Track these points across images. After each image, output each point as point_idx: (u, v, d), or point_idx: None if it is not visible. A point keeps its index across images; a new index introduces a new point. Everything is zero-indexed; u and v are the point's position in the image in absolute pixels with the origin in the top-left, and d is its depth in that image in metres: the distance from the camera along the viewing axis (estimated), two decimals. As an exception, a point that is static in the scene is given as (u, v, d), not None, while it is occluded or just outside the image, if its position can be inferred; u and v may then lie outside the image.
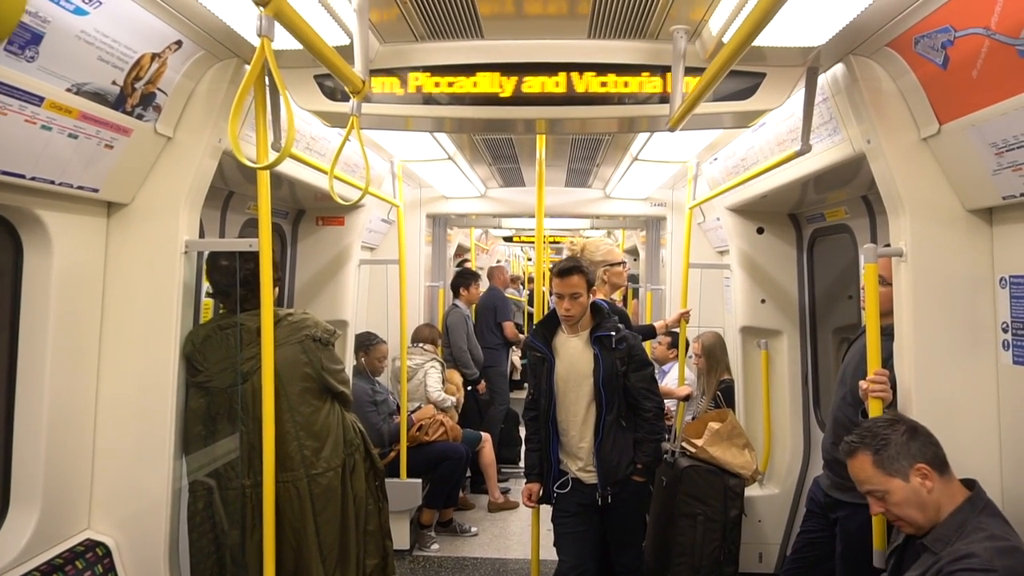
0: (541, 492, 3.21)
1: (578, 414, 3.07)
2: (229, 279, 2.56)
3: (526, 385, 3.80)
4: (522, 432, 6.34)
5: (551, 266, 3.24)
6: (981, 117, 1.94)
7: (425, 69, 2.42)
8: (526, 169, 4.96)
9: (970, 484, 1.91)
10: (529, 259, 14.84)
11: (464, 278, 6.31)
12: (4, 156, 1.80)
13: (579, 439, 3.08)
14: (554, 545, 3.21)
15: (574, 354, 3.09)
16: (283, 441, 2.58)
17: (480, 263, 9.34)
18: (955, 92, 2.03)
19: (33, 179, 1.93)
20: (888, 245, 2.38)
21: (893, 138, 2.28)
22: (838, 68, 2.41)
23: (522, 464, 6.30)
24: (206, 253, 2.67)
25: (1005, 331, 2.21)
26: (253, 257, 2.43)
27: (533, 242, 11.16)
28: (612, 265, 3.76)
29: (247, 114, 2.47)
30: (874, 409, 2.26)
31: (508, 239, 11.17)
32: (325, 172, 2.41)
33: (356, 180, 3.46)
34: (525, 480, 3.26)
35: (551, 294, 3.22)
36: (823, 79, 2.50)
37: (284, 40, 1.73)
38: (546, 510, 4.07)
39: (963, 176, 2.19)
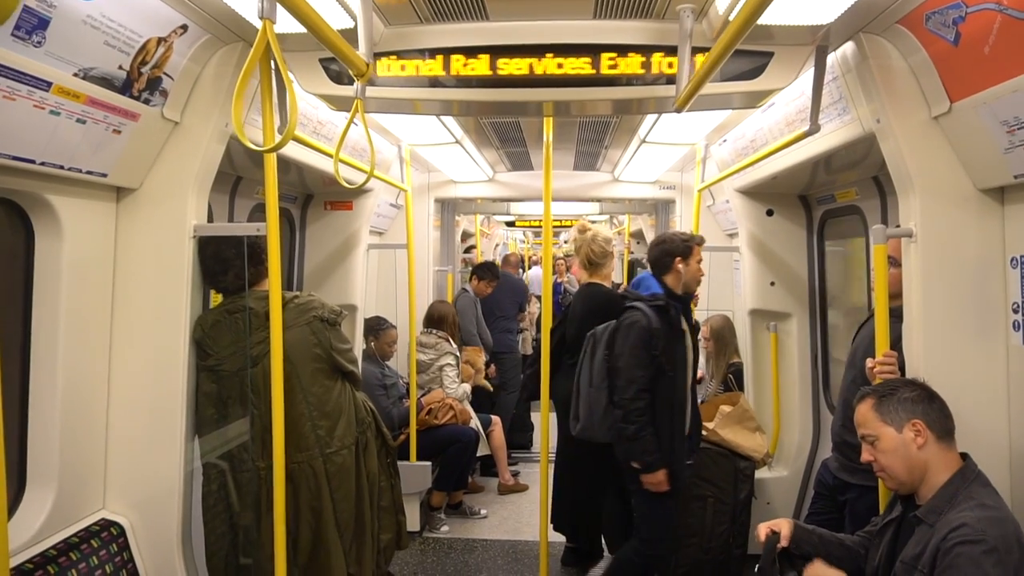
0: None
1: (688, 393, 3.20)
2: (219, 265, 2.59)
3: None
4: (535, 418, 6.39)
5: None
6: (993, 94, 1.91)
7: (430, 51, 2.41)
8: (534, 153, 4.94)
9: (962, 456, 1.93)
10: (529, 243, 14.87)
11: (490, 271, 6.21)
12: (14, 141, 1.82)
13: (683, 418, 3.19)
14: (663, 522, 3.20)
15: (688, 334, 3.23)
16: (297, 422, 2.62)
17: (482, 247, 9.36)
18: (967, 69, 2.00)
19: (43, 164, 1.95)
20: (899, 226, 2.36)
21: (903, 117, 2.25)
22: (848, 46, 2.38)
23: (536, 449, 6.35)
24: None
25: (1016, 312, 2.19)
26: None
27: (535, 226, 11.20)
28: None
29: (253, 98, 2.48)
30: (882, 390, 2.26)
31: (510, 224, 11.15)
32: (331, 156, 2.41)
33: (363, 164, 3.46)
34: (651, 469, 3.02)
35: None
36: (833, 58, 2.47)
37: (289, 23, 1.73)
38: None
39: (974, 155, 2.16)
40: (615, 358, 3.11)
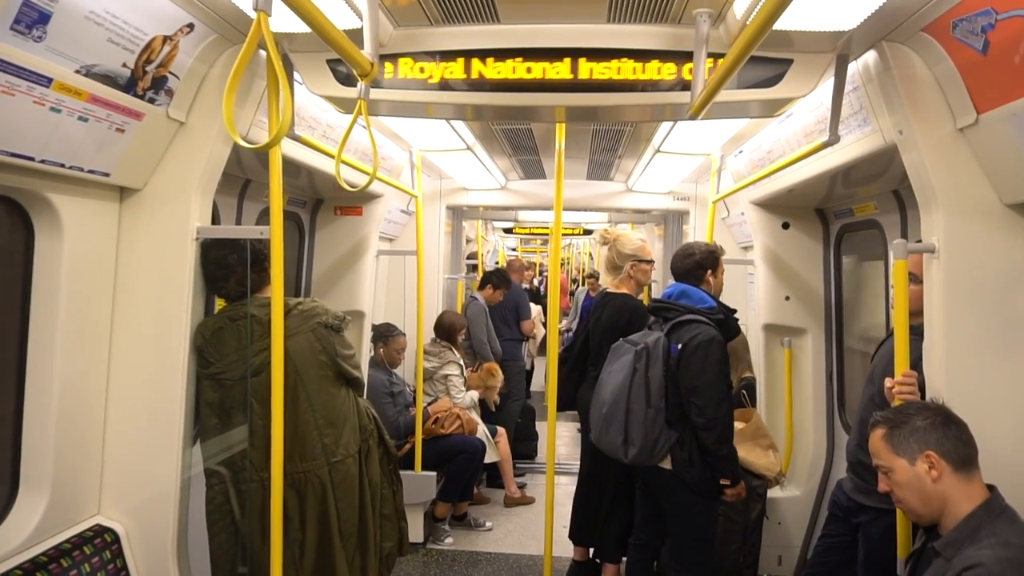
0: None
1: None
2: (222, 270, 2.54)
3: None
4: (540, 427, 6.33)
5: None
6: (1023, 106, 1.83)
7: (439, 54, 2.36)
8: (547, 161, 4.89)
9: (989, 488, 1.82)
10: (520, 253, 14.91)
11: (504, 279, 6.22)
12: (13, 138, 1.79)
13: None
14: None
15: None
16: (303, 431, 2.59)
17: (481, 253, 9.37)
18: (995, 79, 1.92)
19: (43, 162, 1.92)
20: (920, 241, 2.28)
21: (927, 129, 2.17)
22: (870, 55, 2.31)
23: (541, 459, 6.28)
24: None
25: None
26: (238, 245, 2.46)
27: (533, 232, 11.14)
28: (641, 262, 3.78)
29: (261, 98, 2.45)
30: (900, 411, 2.17)
31: (508, 230, 11.12)
32: (333, 157, 2.38)
33: (370, 167, 3.43)
34: (737, 481, 3.04)
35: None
36: (854, 67, 2.40)
37: (297, 23, 1.69)
38: (561, 504, 4.06)
39: (1001, 168, 2.08)
40: (693, 376, 2.91)
